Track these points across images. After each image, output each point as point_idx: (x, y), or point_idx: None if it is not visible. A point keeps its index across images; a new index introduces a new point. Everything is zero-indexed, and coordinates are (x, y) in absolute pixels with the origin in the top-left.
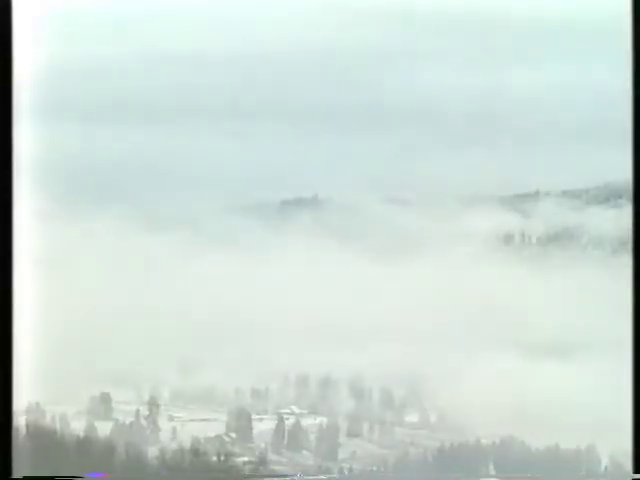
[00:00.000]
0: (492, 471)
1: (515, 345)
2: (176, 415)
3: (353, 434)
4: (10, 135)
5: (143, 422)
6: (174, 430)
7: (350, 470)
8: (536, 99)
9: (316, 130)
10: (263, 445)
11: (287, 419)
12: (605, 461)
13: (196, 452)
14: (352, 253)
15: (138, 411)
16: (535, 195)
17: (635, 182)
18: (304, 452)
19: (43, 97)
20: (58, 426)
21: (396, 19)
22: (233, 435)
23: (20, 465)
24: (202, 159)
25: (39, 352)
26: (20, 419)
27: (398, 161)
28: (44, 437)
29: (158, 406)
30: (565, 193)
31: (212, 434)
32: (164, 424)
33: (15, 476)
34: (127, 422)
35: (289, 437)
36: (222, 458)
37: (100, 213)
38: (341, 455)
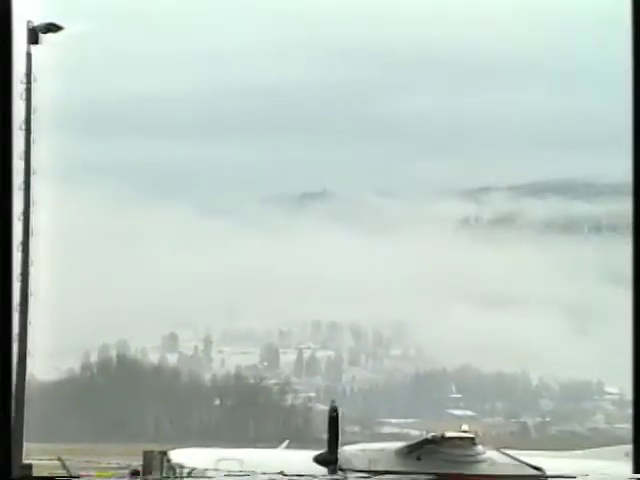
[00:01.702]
0: (454, 389)
1: (471, 298)
2: (224, 349)
3: (353, 363)
4: (10, 139)
5: (200, 354)
6: (222, 360)
7: (351, 390)
8: (489, 117)
9: (323, 141)
10: (287, 371)
11: (305, 352)
12: (535, 381)
13: (238, 376)
14: (352, 232)
15: (196, 346)
16: (486, 189)
17: (635, 181)
18: (317, 376)
19: (118, 119)
20: (139, 356)
21: (377, 57)
22: (265, 364)
23: (114, 382)
24: (239, 164)
25: (127, 302)
26: (111, 351)
27: (386, 163)
28: (129, 364)
29: (211, 343)
30: (509, 187)
31: (250, 363)
32: (215, 356)
33: (13, 474)
34: (189, 354)
35: (306, 366)
36: (257, 380)
37: (166, 203)
38: (344, 379)
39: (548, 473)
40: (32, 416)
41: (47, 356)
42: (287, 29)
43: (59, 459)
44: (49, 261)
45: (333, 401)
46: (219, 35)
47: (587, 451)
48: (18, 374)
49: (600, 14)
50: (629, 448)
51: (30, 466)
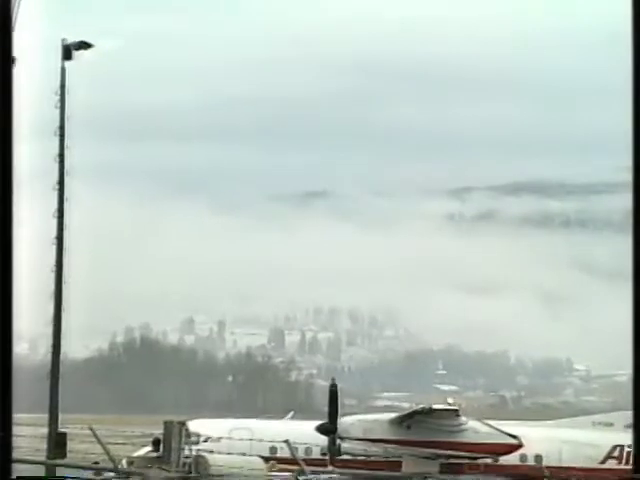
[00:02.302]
0: (440, 366)
1: (455, 285)
2: (236, 331)
3: (350, 344)
4: (10, 141)
5: (214, 336)
6: (234, 341)
7: (349, 368)
8: (472, 125)
9: (323, 146)
10: (292, 351)
11: (307, 334)
12: (512, 359)
13: (249, 355)
14: (350, 227)
15: (211, 328)
16: (469, 188)
17: (635, 179)
18: (318, 355)
19: (153, 127)
20: (160, 337)
21: (372, 70)
22: (272, 344)
23: (137, 359)
24: (249, 166)
25: (150, 289)
26: (136, 332)
27: (379, 166)
28: (151, 344)
29: (224, 325)
30: (489, 187)
31: (259, 344)
32: (228, 337)
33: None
34: (204, 335)
35: (309, 346)
36: (265, 359)
37: (185, 201)
38: (343, 357)
39: (523, 441)
40: (66, 389)
41: (79, 336)
42: (291, 45)
43: (90, 428)
44: (82, 252)
45: (333, 378)
46: (230, 51)
47: (558, 421)
48: (53, 352)
49: (581, 32)
50: (595, 418)
51: (65, 434)
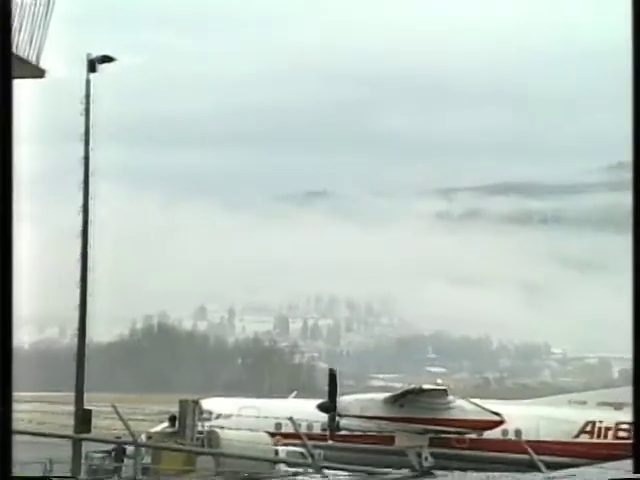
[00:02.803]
0: (430, 351)
1: (444, 277)
2: (244, 318)
3: (348, 330)
4: (10, 143)
5: (225, 322)
6: (243, 327)
7: (347, 352)
8: (460, 131)
9: (323, 150)
10: (295, 336)
11: (309, 321)
12: (495, 344)
13: (256, 340)
14: (349, 224)
15: (222, 316)
16: (456, 189)
17: (635, 176)
18: (320, 341)
19: (170, 134)
20: (176, 324)
21: (369, 81)
22: (277, 330)
23: (155, 344)
24: (254, 168)
25: (166, 280)
26: (154, 319)
27: (375, 168)
28: (168, 330)
29: (234, 313)
30: (475, 188)
31: (265, 330)
32: (237, 324)
33: (14, 474)
34: (216, 322)
35: (310, 332)
36: (271, 344)
37: (197, 200)
38: (341, 342)
39: (504, 417)
40: (91, 370)
41: (103, 322)
42: (296, 57)
43: (113, 406)
44: (106, 247)
45: (332, 370)
46: (242, 63)
47: (536, 400)
48: (79, 337)
49: (567, 43)
50: (570, 397)
51: (90, 411)
